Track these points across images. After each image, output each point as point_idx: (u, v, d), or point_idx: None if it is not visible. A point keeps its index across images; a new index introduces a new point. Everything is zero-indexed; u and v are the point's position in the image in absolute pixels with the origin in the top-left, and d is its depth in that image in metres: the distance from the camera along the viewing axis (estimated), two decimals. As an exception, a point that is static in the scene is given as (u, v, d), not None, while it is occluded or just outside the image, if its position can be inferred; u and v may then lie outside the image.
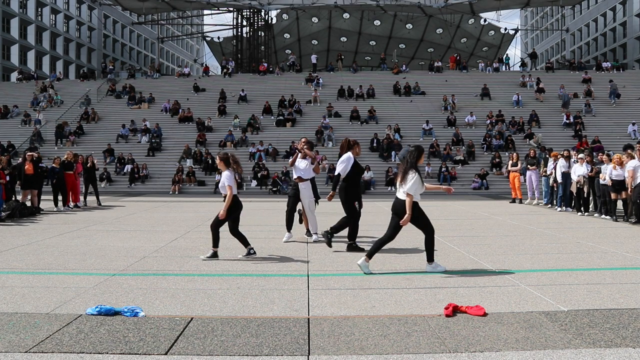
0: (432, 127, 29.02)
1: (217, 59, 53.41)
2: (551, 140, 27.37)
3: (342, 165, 8.28)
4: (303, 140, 9.39)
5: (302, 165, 9.07)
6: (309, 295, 5.35)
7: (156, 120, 30.65)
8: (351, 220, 8.26)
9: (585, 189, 13.72)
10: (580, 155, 14.36)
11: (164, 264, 7.06)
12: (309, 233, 9.31)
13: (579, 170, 13.87)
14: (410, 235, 9.76)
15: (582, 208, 13.84)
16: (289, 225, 9.10)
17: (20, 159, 14.96)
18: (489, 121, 29.62)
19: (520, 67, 45.49)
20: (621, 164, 11.99)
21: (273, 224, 11.55)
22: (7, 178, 13.51)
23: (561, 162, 14.79)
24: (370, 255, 6.43)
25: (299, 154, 9.18)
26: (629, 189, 11.78)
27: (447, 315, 4.59)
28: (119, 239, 9.31)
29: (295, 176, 9.16)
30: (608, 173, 12.34)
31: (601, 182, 12.79)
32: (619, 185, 12.08)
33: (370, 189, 24.08)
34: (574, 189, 14.02)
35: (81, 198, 16.90)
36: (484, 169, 24.71)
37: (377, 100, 33.07)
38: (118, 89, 36.21)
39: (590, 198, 14.08)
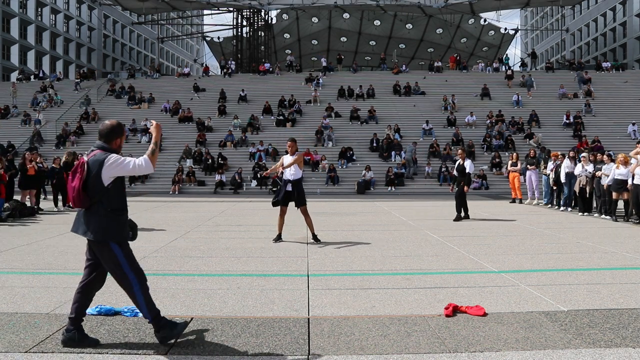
0: (432, 127, 29.02)
1: (217, 59, 53.42)
2: (551, 140, 27.38)
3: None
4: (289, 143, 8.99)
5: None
6: (309, 295, 5.35)
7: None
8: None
9: (588, 189, 13.71)
10: (584, 154, 14.37)
11: (164, 264, 7.06)
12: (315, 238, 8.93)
13: (578, 170, 13.87)
14: (410, 235, 9.77)
15: (583, 208, 13.85)
16: None
17: (21, 158, 15.01)
18: (489, 121, 29.63)
19: (520, 67, 45.52)
20: (625, 163, 11.99)
21: (273, 224, 11.53)
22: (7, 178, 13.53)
23: (566, 162, 14.77)
24: None
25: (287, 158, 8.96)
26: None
27: (447, 315, 4.58)
28: (119, 239, 9.30)
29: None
30: (611, 174, 12.33)
31: (602, 182, 12.79)
32: (621, 184, 12.08)
33: (370, 189, 24.09)
34: (576, 188, 14.01)
35: None
36: (482, 169, 24.68)
37: (377, 100, 33.08)
38: (116, 90, 36.23)
39: (593, 198, 14.09)
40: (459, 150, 13.03)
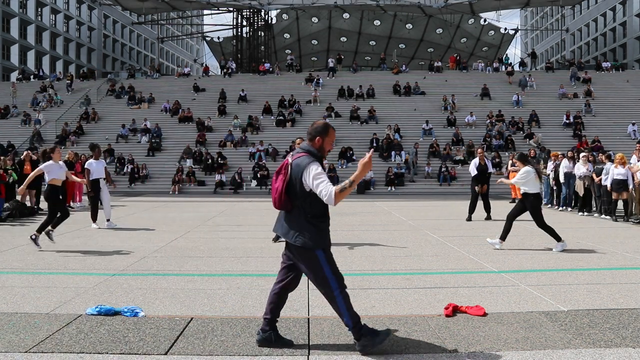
0: (432, 127, 29.03)
1: (217, 59, 53.40)
2: (551, 140, 27.38)
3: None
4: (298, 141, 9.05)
5: None
6: (309, 295, 5.35)
7: (156, 120, 30.65)
8: None
9: (591, 189, 13.72)
10: (583, 154, 14.38)
11: (164, 264, 7.06)
12: None
13: (580, 170, 13.86)
14: (410, 235, 9.77)
15: (583, 208, 13.85)
16: None
17: (22, 157, 15.01)
18: (489, 121, 29.63)
19: (519, 67, 45.49)
20: (624, 163, 12.00)
21: (273, 224, 11.55)
22: (10, 179, 13.53)
23: (564, 162, 14.76)
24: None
25: None
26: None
27: (447, 315, 4.58)
28: (119, 239, 9.31)
29: None
30: (610, 174, 12.33)
31: (604, 183, 12.77)
32: (620, 184, 12.08)
33: (370, 189, 24.09)
34: (579, 189, 13.96)
35: (85, 198, 16.98)
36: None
37: (377, 100, 33.08)
38: (117, 89, 36.20)
39: (593, 198, 14.09)
40: (479, 150, 13.39)
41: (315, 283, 3.84)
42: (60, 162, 8.90)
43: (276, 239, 8.96)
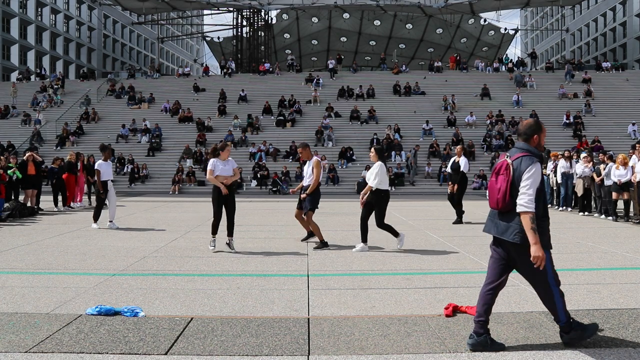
0: (432, 127, 29.03)
1: (217, 59, 53.40)
2: (551, 140, 27.35)
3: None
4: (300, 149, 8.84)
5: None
6: (309, 295, 5.35)
7: (156, 120, 30.66)
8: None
9: (591, 189, 13.71)
10: (584, 154, 14.37)
11: (164, 264, 7.06)
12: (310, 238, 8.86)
13: (580, 169, 13.85)
14: (410, 235, 9.76)
15: (584, 208, 13.85)
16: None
17: (24, 157, 14.99)
18: (489, 121, 29.63)
19: (519, 66, 45.47)
20: (625, 164, 12.00)
21: (273, 224, 11.55)
22: (14, 177, 13.52)
23: (561, 162, 14.76)
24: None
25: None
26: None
27: (447, 315, 4.58)
28: (119, 239, 9.31)
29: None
30: (612, 173, 12.32)
31: (606, 182, 12.76)
32: (620, 185, 12.07)
33: (370, 189, 24.06)
34: (579, 189, 13.95)
35: (85, 198, 16.99)
36: (482, 170, 24.66)
37: (377, 100, 33.09)
38: (117, 89, 36.18)
39: (592, 198, 14.08)
40: (458, 148, 12.24)
41: (533, 280, 3.88)
42: (228, 159, 8.14)
43: (306, 238, 8.86)
